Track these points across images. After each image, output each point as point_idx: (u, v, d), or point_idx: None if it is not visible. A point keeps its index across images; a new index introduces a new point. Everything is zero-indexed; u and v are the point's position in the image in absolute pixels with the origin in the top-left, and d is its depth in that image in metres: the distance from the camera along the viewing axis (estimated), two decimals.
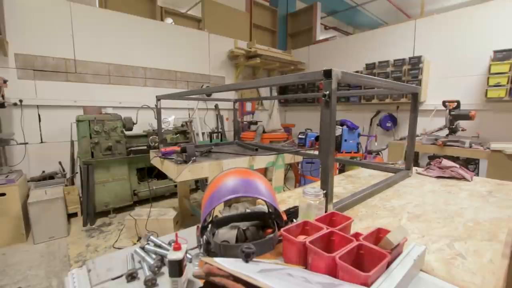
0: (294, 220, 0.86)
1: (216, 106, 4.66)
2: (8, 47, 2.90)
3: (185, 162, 1.95)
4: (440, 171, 1.54)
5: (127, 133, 3.35)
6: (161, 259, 0.70)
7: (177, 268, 0.58)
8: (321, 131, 0.87)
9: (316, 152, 2.20)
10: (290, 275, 0.53)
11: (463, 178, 1.46)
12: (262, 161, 2.35)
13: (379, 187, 1.24)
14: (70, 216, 3.03)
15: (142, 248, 0.75)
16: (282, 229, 0.69)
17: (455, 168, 1.51)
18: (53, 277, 2.06)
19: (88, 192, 2.95)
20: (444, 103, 3.07)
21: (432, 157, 3.42)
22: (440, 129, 3.14)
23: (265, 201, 0.77)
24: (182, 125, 4.03)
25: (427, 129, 3.38)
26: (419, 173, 1.60)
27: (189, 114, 4.46)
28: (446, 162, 1.59)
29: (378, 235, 0.67)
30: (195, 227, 0.82)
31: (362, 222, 0.93)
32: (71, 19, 3.27)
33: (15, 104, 2.96)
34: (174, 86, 4.24)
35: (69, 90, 3.33)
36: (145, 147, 3.51)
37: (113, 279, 0.66)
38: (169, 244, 0.77)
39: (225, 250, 0.67)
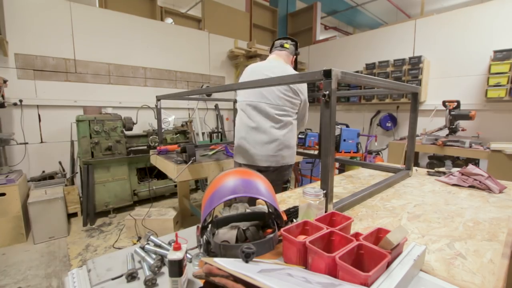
0: (294, 220, 0.86)
1: (216, 106, 4.66)
2: (8, 47, 2.90)
3: (185, 162, 1.95)
4: (460, 179, 1.35)
5: (127, 133, 3.35)
6: (161, 259, 0.70)
7: (177, 268, 0.58)
8: (321, 131, 0.87)
9: (316, 152, 2.19)
10: (290, 275, 0.53)
11: (487, 189, 1.25)
12: None
13: (379, 187, 1.24)
14: (70, 216, 3.03)
15: (142, 248, 0.75)
16: (282, 229, 0.69)
17: (481, 177, 1.30)
18: (53, 277, 2.06)
19: (88, 192, 2.95)
20: (444, 103, 3.07)
21: (432, 157, 3.42)
22: (440, 129, 3.14)
23: (265, 201, 0.77)
24: (182, 125, 4.03)
25: (427, 129, 3.37)
26: (438, 180, 1.45)
27: (189, 114, 4.46)
28: (471, 168, 1.37)
29: (378, 235, 0.67)
30: (195, 227, 0.82)
31: (362, 222, 0.93)
32: (71, 19, 3.27)
33: (15, 104, 2.96)
34: (174, 86, 4.24)
35: (69, 90, 3.33)
36: (145, 147, 3.51)
37: (113, 279, 0.66)
38: (169, 244, 0.77)
39: (225, 250, 0.67)
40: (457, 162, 3.10)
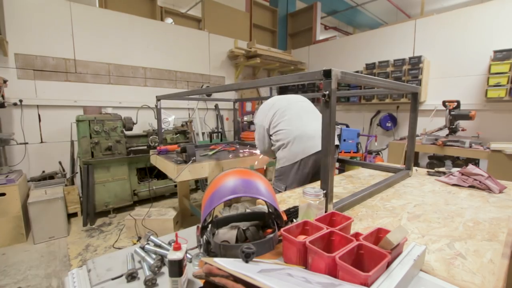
0: (294, 220, 0.86)
1: (216, 106, 4.66)
2: (8, 47, 2.90)
3: (185, 162, 1.95)
4: (460, 179, 1.35)
5: (127, 133, 3.35)
6: (161, 259, 0.70)
7: (177, 268, 0.58)
8: (321, 131, 0.87)
9: None
10: (290, 275, 0.53)
11: (487, 189, 1.25)
12: (262, 161, 2.35)
13: (379, 187, 1.24)
14: (70, 216, 3.03)
15: (142, 248, 0.75)
16: (282, 229, 0.69)
17: (481, 177, 1.30)
18: (53, 277, 2.06)
19: (88, 192, 2.95)
20: (444, 103, 3.07)
21: (432, 157, 3.42)
22: (440, 129, 3.14)
23: (265, 201, 0.77)
24: (182, 125, 4.03)
25: (427, 129, 3.37)
26: (438, 180, 1.45)
27: (189, 114, 4.46)
28: (471, 168, 1.37)
29: (378, 235, 0.67)
30: (195, 227, 0.82)
31: (362, 222, 0.93)
32: (71, 19, 3.27)
33: (15, 104, 2.96)
34: (174, 86, 4.24)
35: (69, 90, 3.33)
36: (145, 147, 3.51)
37: (113, 279, 0.66)
38: (169, 244, 0.77)
39: (225, 250, 0.67)
40: (457, 162, 3.10)
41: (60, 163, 3.30)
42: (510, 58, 2.80)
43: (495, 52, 2.90)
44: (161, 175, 3.62)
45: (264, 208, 0.94)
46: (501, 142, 2.68)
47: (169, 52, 4.13)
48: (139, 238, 2.57)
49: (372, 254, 0.59)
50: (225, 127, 4.77)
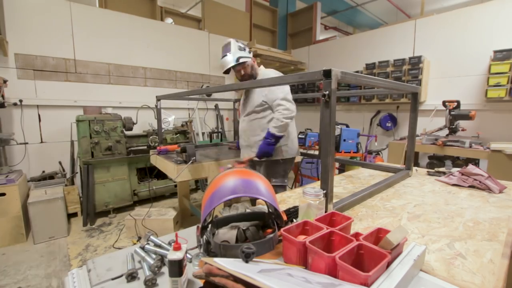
0: (294, 220, 0.86)
1: (216, 106, 4.66)
2: (8, 47, 2.90)
3: (185, 162, 1.96)
4: (460, 179, 1.36)
5: (127, 133, 3.35)
6: (161, 259, 0.70)
7: (177, 268, 0.58)
8: (321, 131, 0.87)
9: (316, 152, 2.20)
10: (290, 275, 0.53)
11: (487, 189, 1.26)
12: None
13: (379, 187, 1.24)
14: (70, 216, 3.03)
15: (142, 248, 0.75)
16: (282, 229, 0.69)
17: (481, 177, 1.30)
18: (53, 277, 2.06)
19: (88, 192, 2.95)
20: (444, 103, 3.07)
21: (432, 157, 3.42)
22: (440, 129, 3.14)
23: (265, 201, 0.77)
24: (182, 125, 4.03)
25: (427, 129, 3.37)
26: (438, 180, 1.45)
27: (189, 114, 4.46)
28: (471, 168, 1.38)
29: (378, 235, 0.67)
30: (195, 227, 0.82)
31: (362, 222, 0.93)
32: (71, 19, 3.27)
33: (15, 104, 2.96)
34: (174, 86, 4.24)
35: (69, 90, 3.33)
36: (145, 147, 3.51)
37: (113, 279, 0.66)
38: (169, 244, 0.77)
39: (225, 250, 0.67)
40: (457, 162, 3.09)
41: (60, 163, 3.30)
42: (510, 58, 2.80)
43: (495, 52, 2.90)
44: (161, 175, 3.62)
45: (264, 208, 0.94)
46: (501, 142, 2.68)
47: (169, 52, 4.13)
48: (139, 238, 2.57)
49: (372, 254, 0.59)
50: (225, 127, 4.77)
